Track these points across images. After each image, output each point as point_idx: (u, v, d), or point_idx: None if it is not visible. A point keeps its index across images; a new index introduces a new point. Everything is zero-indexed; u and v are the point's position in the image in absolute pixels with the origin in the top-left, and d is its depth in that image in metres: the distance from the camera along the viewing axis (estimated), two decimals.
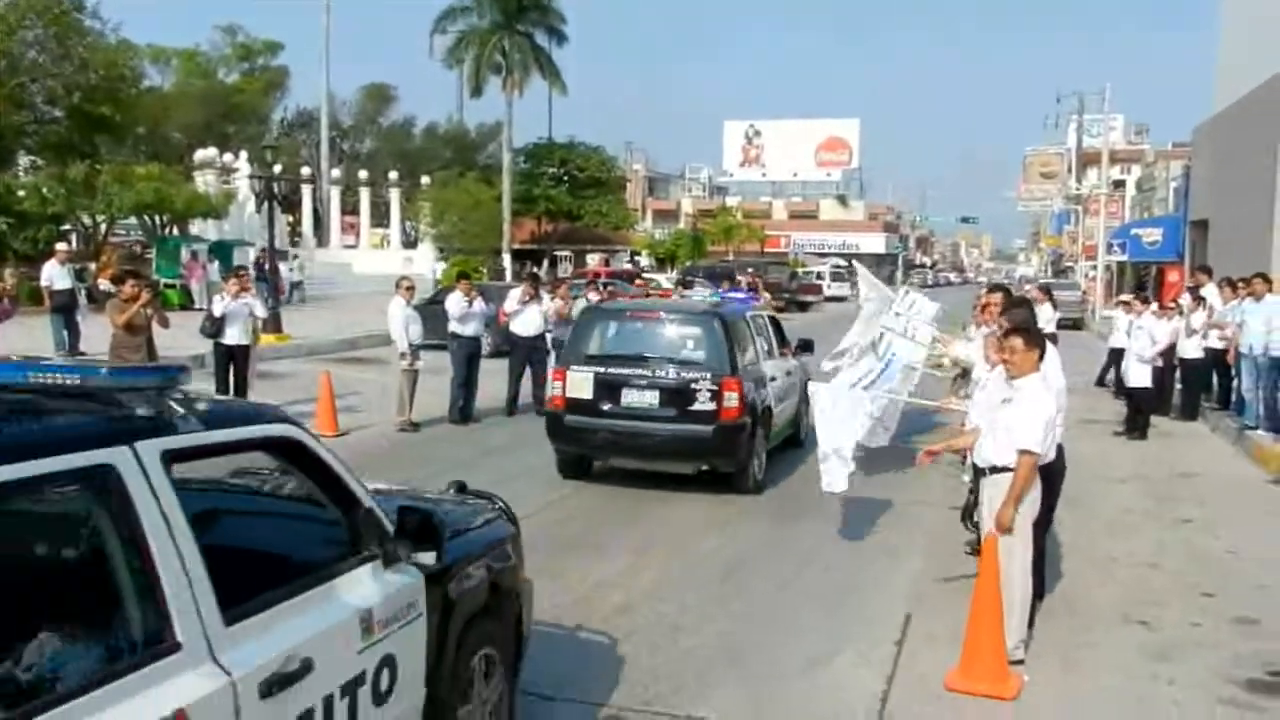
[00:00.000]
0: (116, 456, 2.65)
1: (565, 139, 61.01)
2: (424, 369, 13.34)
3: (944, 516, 8.85)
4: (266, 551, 3.55)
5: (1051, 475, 6.21)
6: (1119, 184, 53.51)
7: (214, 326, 12.61)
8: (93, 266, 28.31)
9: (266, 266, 26.16)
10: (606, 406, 9.75)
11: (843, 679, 5.65)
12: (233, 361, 12.69)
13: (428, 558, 3.64)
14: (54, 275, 18.41)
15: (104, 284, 27.45)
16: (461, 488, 4.67)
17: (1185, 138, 36.40)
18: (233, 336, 12.64)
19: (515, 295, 14.69)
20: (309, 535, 3.69)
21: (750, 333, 10.79)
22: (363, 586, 3.44)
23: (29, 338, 16.30)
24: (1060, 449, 6.37)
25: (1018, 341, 5.93)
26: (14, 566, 2.63)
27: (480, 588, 4.15)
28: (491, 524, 4.52)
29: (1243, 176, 23.09)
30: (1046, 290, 19.89)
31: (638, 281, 26.00)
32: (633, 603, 6.77)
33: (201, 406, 3.16)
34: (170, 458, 2.84)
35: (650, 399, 9.67)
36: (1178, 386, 15.68)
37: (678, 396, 9.59)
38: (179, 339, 13.47)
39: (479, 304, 14.14)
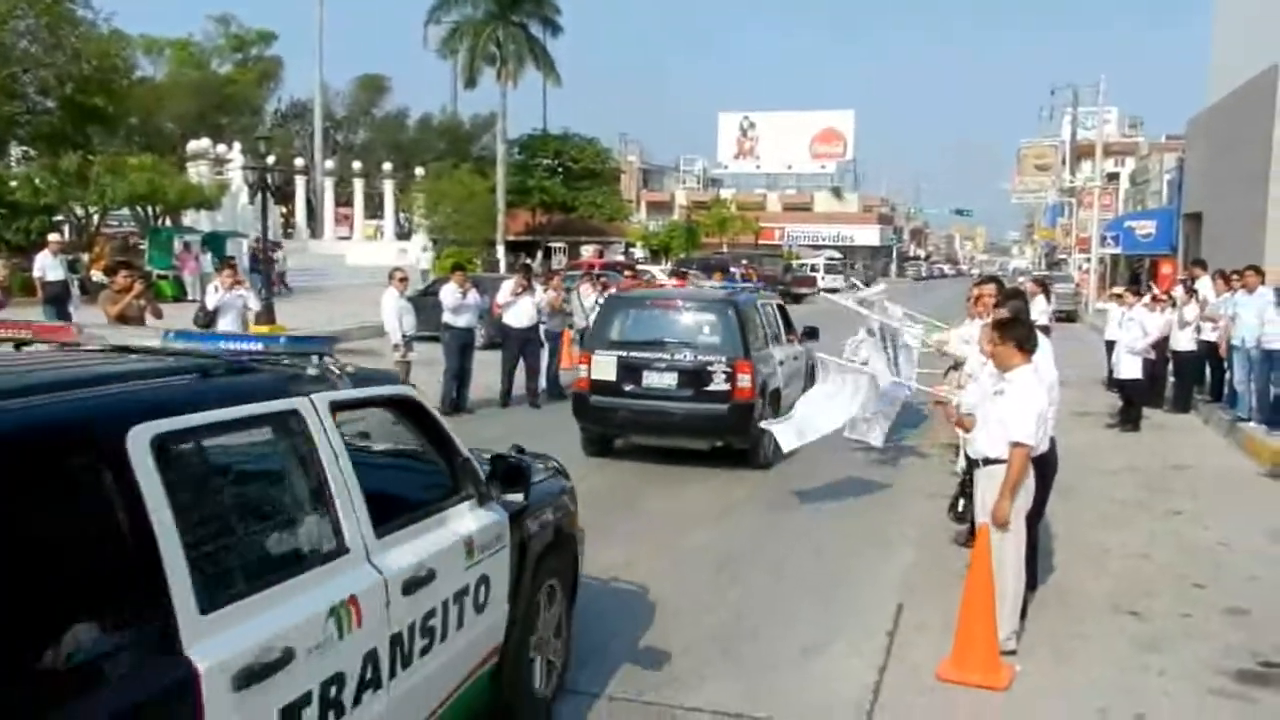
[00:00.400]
0: (300, 404, 3.50)
1: (560, 130, 61.00)
2: (417, 360, 13.32)
3: (937, 507, 8.87)
4: (396, 487, 4.24)
5: (1044, 467, 6.23)
6: (1113, 176, 53.54)
7: (207, 318, 12.56)
8: (85, 257, 28.21)
9: (259, 258, 26.12)
10: (629, 387, 10.57)
11: (835, 669, 5.67)
12: None
13: (516, 498, 4.52)
14: (46, 266, 18.37)
15: (97, 275, 27.37)
16: (520, 450, 5.12)
17: (1179, 130, 36.44)
18: (226, 327, 12.60)
19: (508, 287, 14.69)
20: (423, 477, 4.45)
21: (760, 320, 11.57)
22: (464, 519, 4.27)
23: None
24: (1053, 441, 6.39)
25: (995, 334, 5.99)
26: (246, 480, 3.52)
27: (548, 529, 4.99)
28: (552, 478, 5.41)
29: (1236, 169, 23.13)
30: (1041, 283, 19.93)
31: (627, 273, 25.87)
32: (628, 592, 6.78)
33: (350, 370, 3.94)
34: (333, 407, 3.65)
35: (669, 380, 10.48)
36: (1170, 379, 15.73)
37: (695, 378, 10.39)
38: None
39: (473, 295, 14.12)
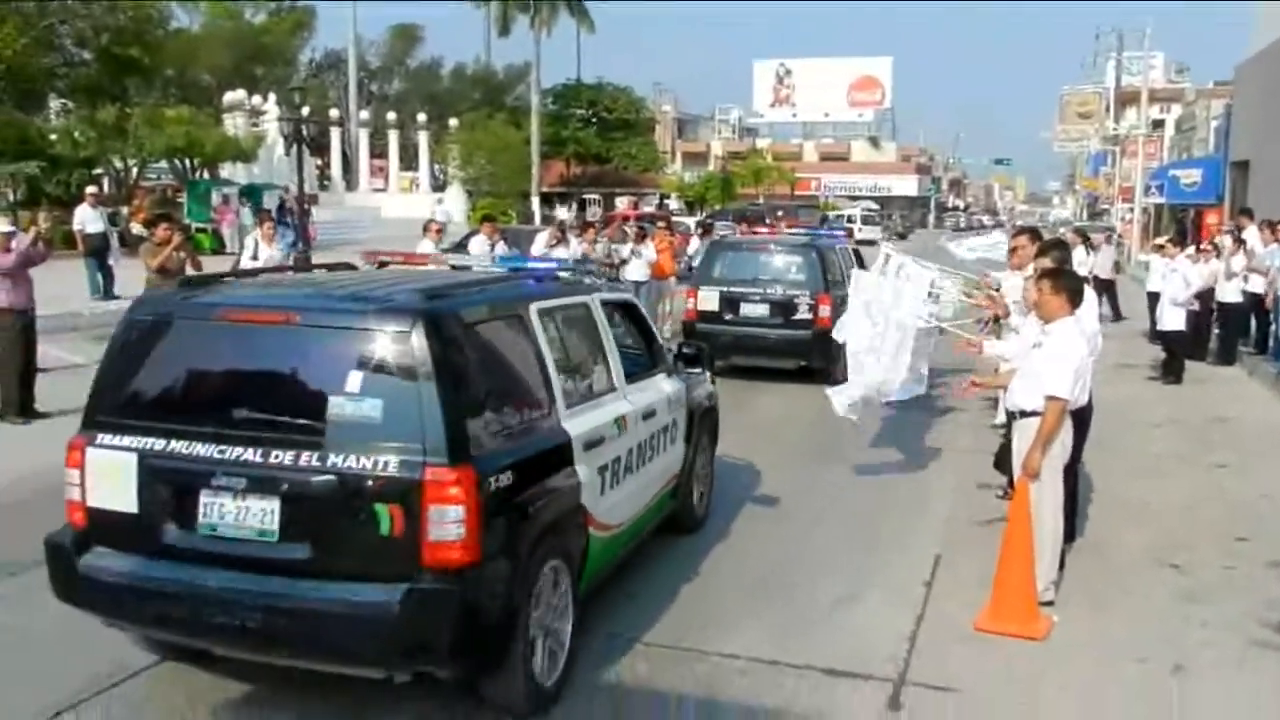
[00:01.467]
0: (590, 299, 5.78)
1: (594, 80, 60.51)
2: None
3: (974, 460, 8.81)
4: (629, 358, 6.16)
5: (1081, 419, 6.16)
6: (1158, 124, 52.34)
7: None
8: (125, 210, 28.47)
9: (289, 209, 26.20)
10: (729, 316, 12.75)
11: (872, 619, 5.68)
12: None
13: (696, 370, 7.07)
14: (86, 219, 18.55)
15: (136, 228, 27.65)
16: (695, 345, 7.66)
17: (1227, 76, 35.52)
18: None
19: (543, 239, 14.68)
20: (640, 354, 6.55)
21: (838, 260, 13.26)
22: (664, 383, 6.46)
23: (63, 282, 16.44)
24: (1090, 393, 6.31)
25: (1045, 284, 5.87)
26: (573, 341, 5.48)
27: (703, 400, 7.15)
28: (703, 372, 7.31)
29: None
30: (1083, 234, 19.61)
31: (660, 224, 25.22)
32: (664, 541, 6.81)
33: (601, 283, 6.60)
34: (604, 304, 5.91)
35: (763, 310, 12.59)
36: (1215, 331, 15.49)
37: (784, 309, 12.47)
38: None
39: (501, 247, 14.10)
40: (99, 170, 31.04)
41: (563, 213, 39.38)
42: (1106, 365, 11.42)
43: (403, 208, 42.59)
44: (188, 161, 33.28)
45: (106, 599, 4.42)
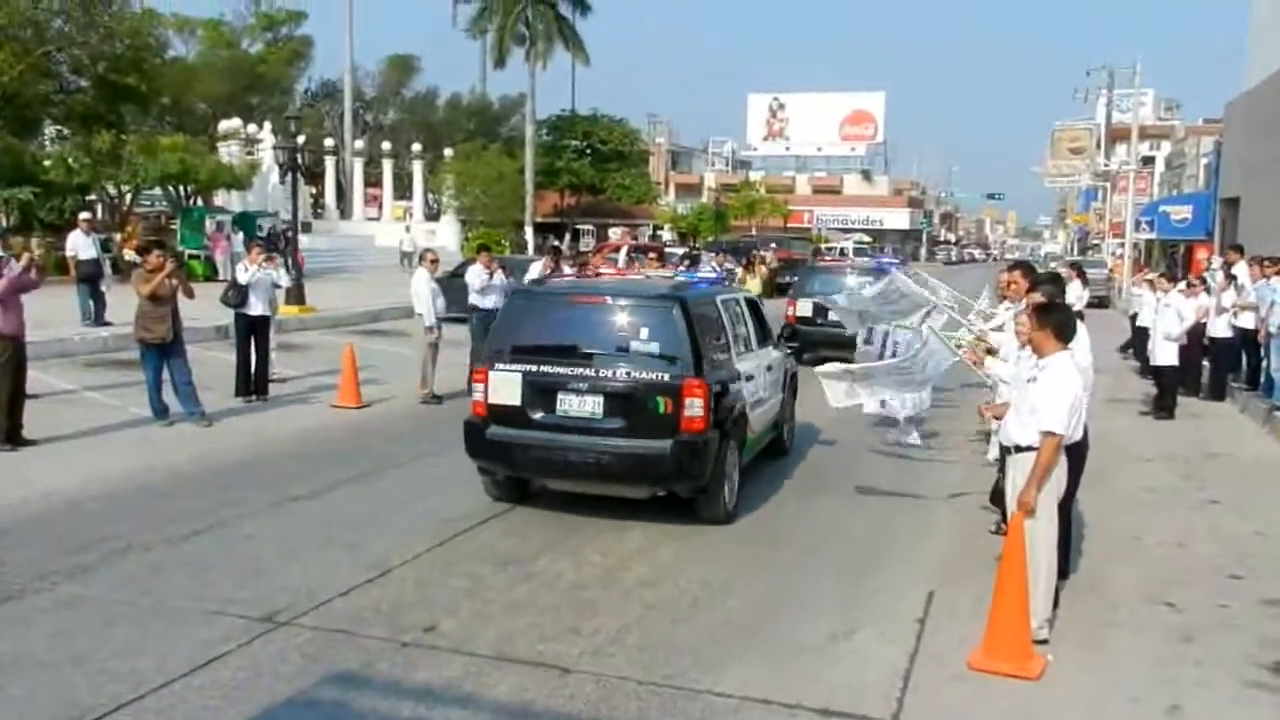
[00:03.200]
0: (738, 296, 9.95)
1: (588, 111, 60.80)
2: (446, 341, 13.35)
3: (969, 496, 8.80)
4: (754, 333, 9.57)
5: (1077, 454, 6.14)
6: (1148, 160, 52.75)
7: (238, 296, 12.64)
8: (118, 237, 28.44)
9: (278, 237, 26.19)
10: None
11: (865, 655, 5.63)
12: (254, 332, 12.72)
13: (790, 352, 10.86)
14: (79, 245, 18.51)
15: (129, 254, 27.59)
16: (791, 332, 11.55)
17: (1217, 114, 35.84)
18: (255, 307, 12.67)
19: (537, 268, 14.69)
20: (759, 331, 9.79)
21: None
22: (774, 351, 10.09)
23: (55, 308, 16.41)
24: (1085, 428, 6.30)
25: (1037, 319, 5.88)
26: (730, 320, 8.95)
27: (792, 366, 10.79)
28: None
29: (1276, 153, 22.74)
30: (1077, 267, 19.66)
31: (651, 255, 25.39)
32: (656, 577, 6.76)
33: (727, 285, 11.43)
34: (744, 299, 9.98)
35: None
36: (1205, 365, 15.51)
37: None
38: (203, 309, 13.53)
39: (499, 276, 14.11)
40: (92, 197, 31.03)
41: (555, 243, 39.46)
42: (1098, 400, 11.41)
43: (396, 236, 42.65)
44: (182, 189, 33.29)
45: (501, 454, 8.02)
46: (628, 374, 7.78)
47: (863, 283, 15.14)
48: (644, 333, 7.79)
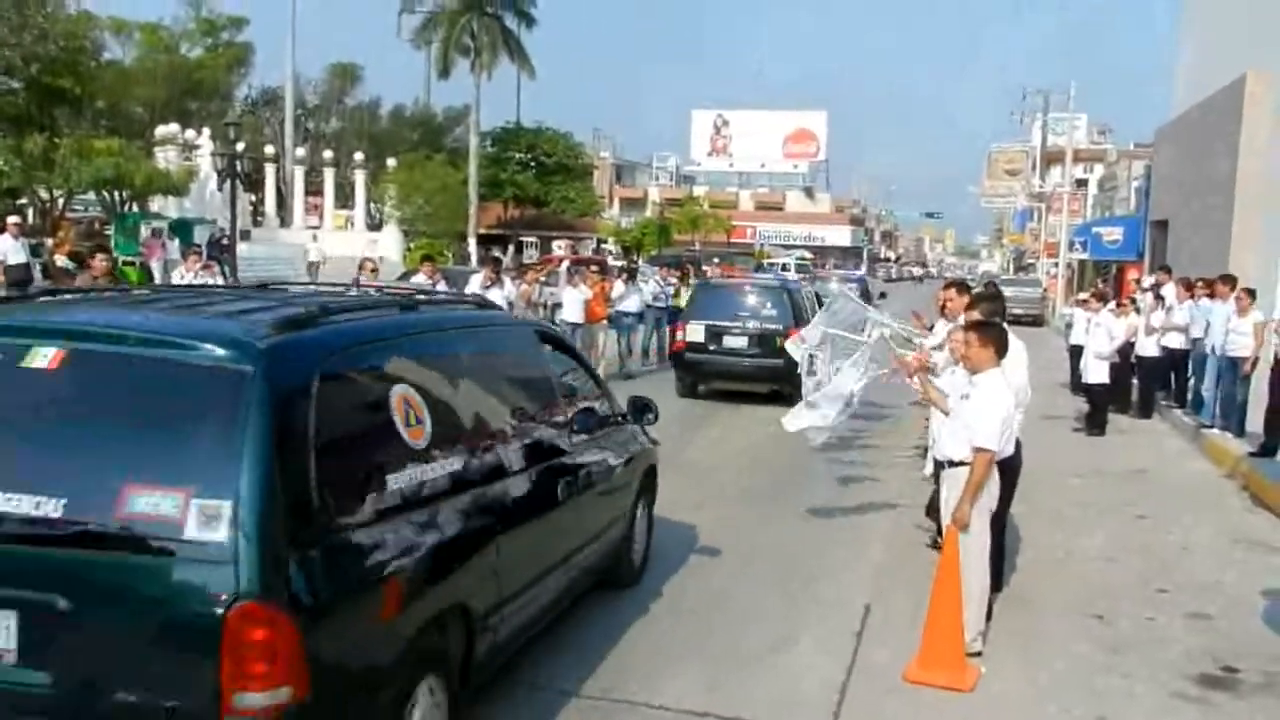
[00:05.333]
0: (805, 290, 17.48)
1: (533, 124, 60.81)
2: None
3: (905, 508, 8.91)
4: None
5: (1010, 470, 6.25)
6: (1081, 183, 53.99)
7: None
8: (49, 241, 27.78)
9: (217, 244, 25.88)
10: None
11: (801, 668, 5.66)
12: None
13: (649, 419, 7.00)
14: (8, 249, 18.02)
15: (60, 259, 26.98)
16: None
17: (1148, 138, 36.79)
18: None
19: (477, 280, 14.60)
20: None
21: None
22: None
23: None
24: (1018, 443, 6.42)
25: (972, 336, 5.96)
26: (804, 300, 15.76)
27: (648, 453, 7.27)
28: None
29: (1203, 178, 23.39)
30: (964, 286, 19.88)
31: (593, 268, 26.04)
32: (593, 591, 6.74)
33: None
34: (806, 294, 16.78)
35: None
36: (1135, 383, 15.88)
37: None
38: None
39: (442, 287, 14.01)
40: (23, 200, 30.31)
41: (497, 254, 39.38)
42: (1031, 417, 11.60)
43: (337, 245, 42.19)
44: (116, 194, 32.64)
45: (692, 366, 15.48)
46: (759, 325, 15.15)
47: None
48: (767, 304, 15.49)
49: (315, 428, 3.47)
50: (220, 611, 3.08)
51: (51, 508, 3.19)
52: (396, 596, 3.72)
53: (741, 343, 15.03)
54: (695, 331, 15.26)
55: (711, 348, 15.08)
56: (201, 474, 3.20)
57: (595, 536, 5.92)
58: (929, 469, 8.12)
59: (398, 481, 3.86)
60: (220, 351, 3.40)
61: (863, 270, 56.66)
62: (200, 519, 3.13)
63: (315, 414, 3.50)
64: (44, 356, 3.45)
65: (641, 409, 6.78)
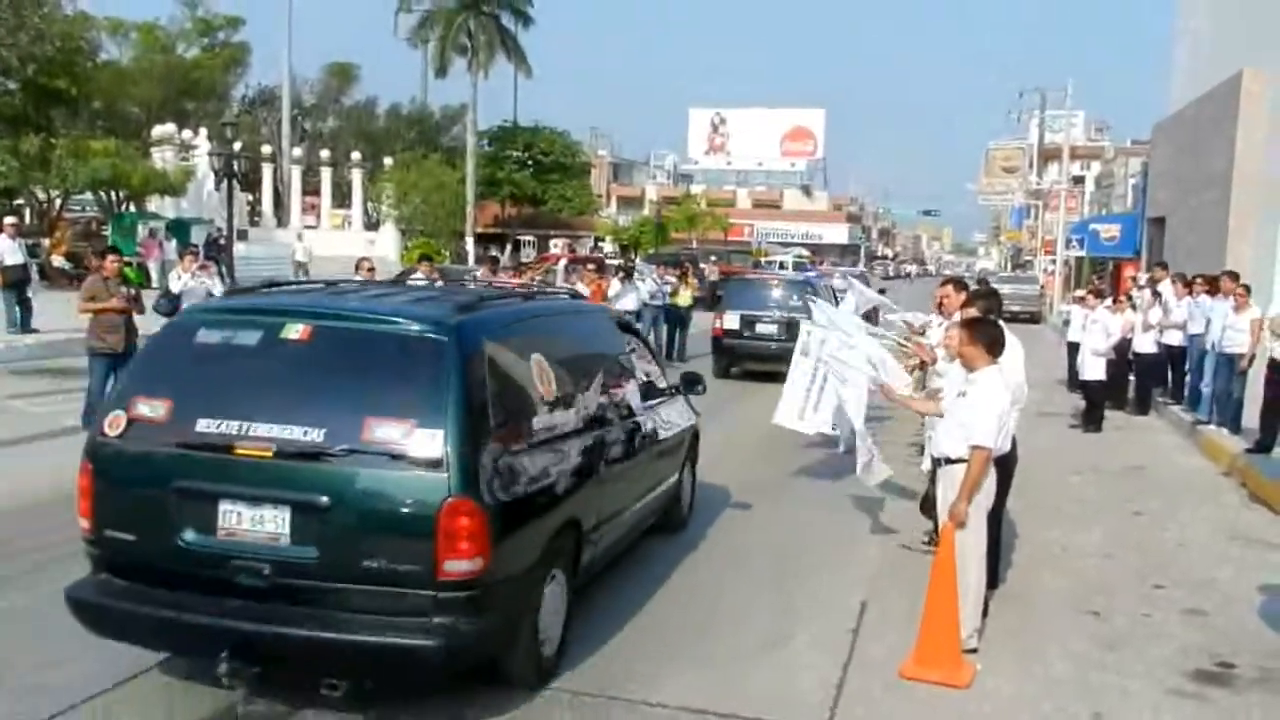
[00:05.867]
0: (823, 282, 21.36)
1: (530, 123, 60.80)
2: None
3: (902, 504, 8.92)
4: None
5: (1005, 466, 6.26)
6: (1079, 180, 54.08)
7: (170, 304, 12.41)
8: (46, 242, 27.80)
9: (216, 244, 25.87)
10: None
11: (799, 665, 5.68)
12: None
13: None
14: (5, 250, 18.05)
15: (57, 260, 27.03)
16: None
17: (1145, 135, 36.85)
18: None
19: (475, 276, 14.62)
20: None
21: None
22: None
23: None
24: (1014, 440, 6.43)
25: (967, 333, 5.98)
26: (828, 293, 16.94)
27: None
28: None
29: (1199, 174, 23.42)
30: (961, 283, 19.94)
31: (589, 266, 26.52)
32: (591, 589, 6.75)
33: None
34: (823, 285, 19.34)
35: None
36: (1132, 380, 15.90)
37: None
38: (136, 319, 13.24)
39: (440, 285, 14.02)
40: (20, 201, 30.31)
41: (494, 253, 39.40)
42: (1028, 414, 11.62)
43: (334, 245, 42.17)
44: (113, 194, 32.63)
45: (730, 350, 18.02)
46: (786, 314, 16.83)
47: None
48: (793, 297, 17.04)
49: (487, 381, 4.87)
50: (436, 505, 4.48)
51: (315, 435, 4.57)
52: (540, 506, 5.16)
53: (771, 329, 17.43)
54: (731, 320, 17.85)
55: (745, 334, 17.60)
56: (419, 410, 4.57)
57: (659, 483, 7.30)
58: (926, 464, 8.13)
59: (537, 423, 5.28)
60: (426, 327, 4.84)
61: (860, 267, 57.29)
62: (421, 442, 4.51)
63: (487, 371, 4.90)
64: (296, 330, 4.84)
65: (692, 382, 8.31)
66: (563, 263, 29.28)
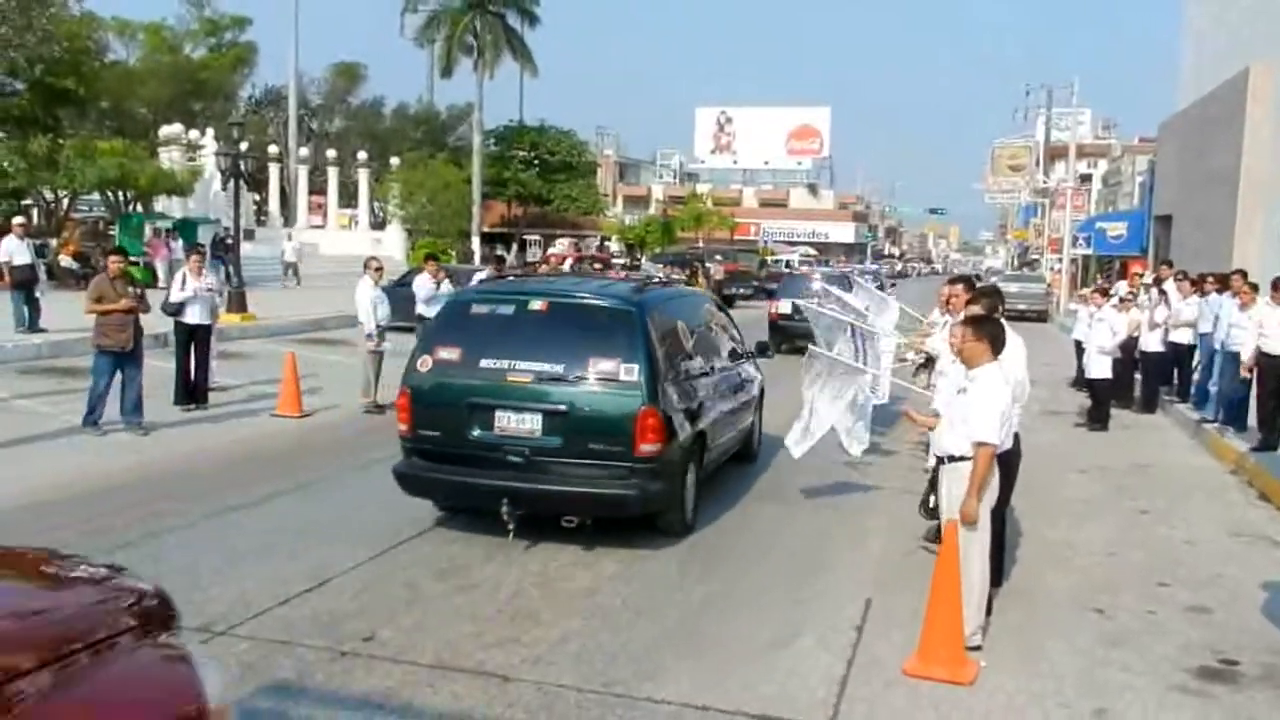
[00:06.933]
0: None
1: (536, 122, 60.79)
2: (390, 351, 13.27)
3: (906, 503, 8.92)
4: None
5: (1009, 464, 6.27)
6: (1085, 178, 53.91)
7: (175, 305, 12.48)
8: (54, 242, 27.88)
9: (221, 244, 25.93)
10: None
11: (803, 662, 5.69)
12: (194, 340, 12.56)
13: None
14: (13, 250, 18.10)
15: (65, 260, 27.08)
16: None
17: (1152, 133, 36.74)
18: (194, 315, 12.50)
19: (480, 278, 14.64)
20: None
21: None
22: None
23: None
24: (1017, 437, 6.44)
25: (969, 330, 5.99)
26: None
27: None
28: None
29: (1206, 172, 23.37)
30: (969, 282, 20.02)
31: (597, 265, 27.01)
32: (597, 586, 6.78)
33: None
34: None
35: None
36: (1138, 379, 15.88)
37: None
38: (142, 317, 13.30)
39: (446, 286, 14.06)
40: (28, 201, 30.39)
41: (500, 253, 39.44)
42: (1033, 412, 11.65)
43: (341, 245, 42.26)
44: (121, 194, 32.71)
45: (783, 330, 20.23)
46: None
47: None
48: (836, 287, 14.90)
49: (657, 337, 7.65)
50: (635, 410, 7.22)
51: (558, 368, 7.39)
52: (689, 418, 7.91)
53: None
54: (785, 306, 21.23)
55: (795, 317, 19.08)
56: (622, 352, 7.38)
57: (742, 420, 9.80)
58: (931, 463, 8.14)
59: (683, 366, 8.17)
60: (621, 303, 7.80)
61: (876, 264, 59.02)
62: (624, 372, 7.31)
63: (656, 332, 7.67)
64: (538, 305, 7.79)
65: (762, 349, 11.10)
66: (568, 262, 29.41)
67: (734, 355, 9.85)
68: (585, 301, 7.86)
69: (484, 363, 7.49)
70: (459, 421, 7.48)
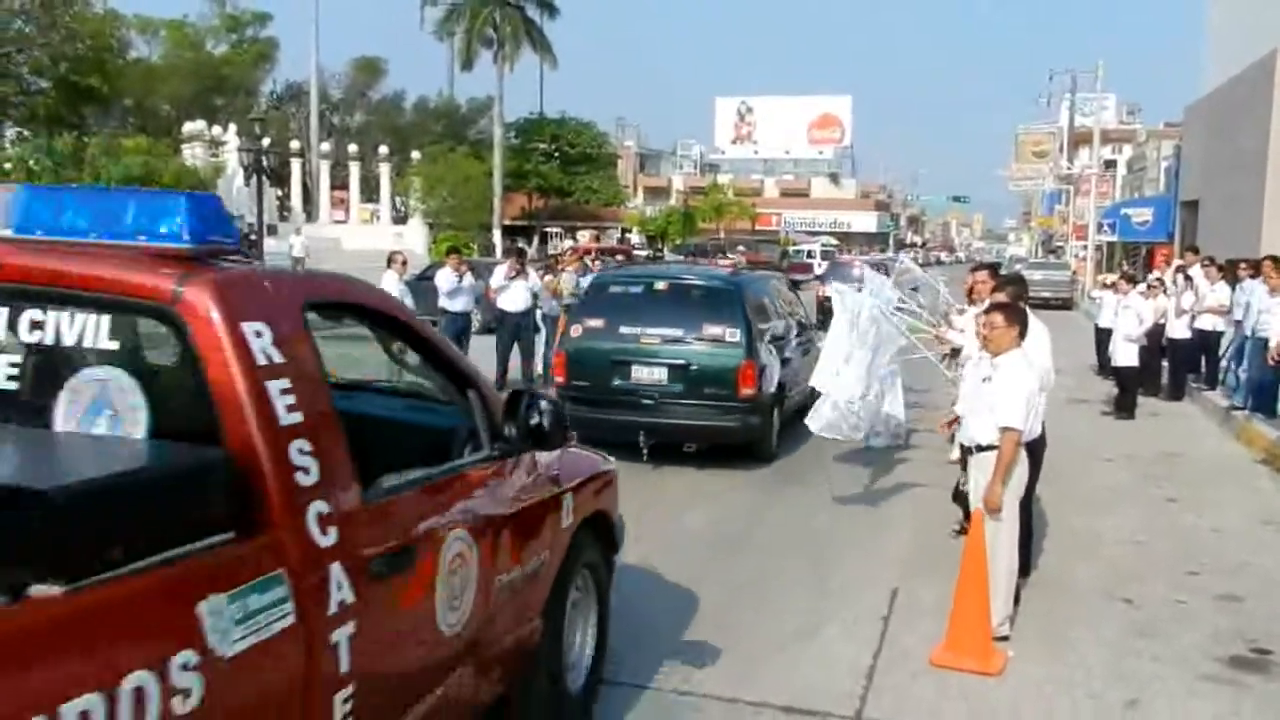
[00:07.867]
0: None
1: (556, 114, 60.82)
2: None
3: (932, 493, 8.88)
4: None
5: (1035, 452, 6.23)
6: (1110, 164, 53.48)
7: None
8: None
9: (252, 238, 26.08)
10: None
11: (829, 653, 5.68)
12: None
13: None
14: None
15: None
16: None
17: (1178, 117, 36.37)
18: None
19: (501, 271, 14.62)
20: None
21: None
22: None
23: None
24: (1043, 426, 6.38)
25: (997, 318, 5.94)
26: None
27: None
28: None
29: (1233, 156, 23.12)
30: (994, 270, 19.92)
31: (619, 257, 27.22)
32: (619, 577, 6.77)
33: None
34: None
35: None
36: (1165, 366, 15.73)
37: None
38: None
39: (469, 279, 14.07)
40: None
41: (521, 245, 39.55)
42: (1059, 400, 11.56)
43: (363, 239, 42.40)
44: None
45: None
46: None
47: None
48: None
49: (751, 310, 10.14)
50: (738, 362, 9.62)
51: (679, 332, 9.83)
52: (774, 370, 10.10)
53: None
54: (831, 290, 21.64)
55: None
56: (728, 320, 9.82)
57: (805, 380, 10.34)
58: (955, 453, 8.10)
59: (768, 332, 10.43)
60: (725, 283, 10.54)
61: (906, 253, 60.23)
62: (729, 334, 9.71)
63: (749, 305, 10.18)
64: (662, 285, 10.51)
65: (824, 320, 12.60)
66: (590, 254, 29.42)
67: (801, 326, 12.14)
68: (697, 283, 10.45)
69: (622, 329, 9.86)
70: (604, 374, 9.80)
